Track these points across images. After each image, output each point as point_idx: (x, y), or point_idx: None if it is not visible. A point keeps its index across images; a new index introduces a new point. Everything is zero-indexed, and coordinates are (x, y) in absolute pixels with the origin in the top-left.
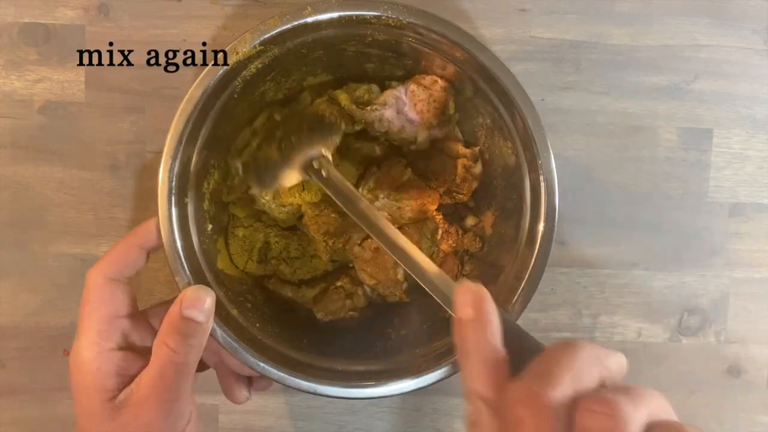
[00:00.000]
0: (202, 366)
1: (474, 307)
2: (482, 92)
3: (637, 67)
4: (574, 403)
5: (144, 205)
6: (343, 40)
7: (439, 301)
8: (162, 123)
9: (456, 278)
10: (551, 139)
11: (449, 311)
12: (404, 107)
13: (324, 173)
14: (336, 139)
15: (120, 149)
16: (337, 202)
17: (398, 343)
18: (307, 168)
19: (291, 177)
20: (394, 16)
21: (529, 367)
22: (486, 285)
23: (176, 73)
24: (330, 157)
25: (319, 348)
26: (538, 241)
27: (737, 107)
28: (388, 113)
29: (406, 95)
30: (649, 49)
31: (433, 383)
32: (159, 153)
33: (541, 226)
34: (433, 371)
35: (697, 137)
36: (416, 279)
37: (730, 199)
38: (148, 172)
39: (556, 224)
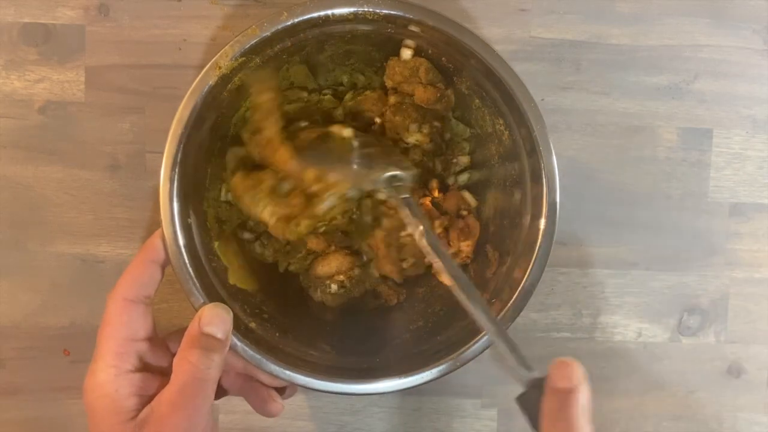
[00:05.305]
0: (220, 392)
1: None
2: (479, 84)
3: (637, 67)
4: None
5: (144, 205)
6: (322, 40)
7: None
8: (162, 123)
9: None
10: (551, 139)
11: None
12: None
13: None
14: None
15: (120, 149)
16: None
17: (416, 336)
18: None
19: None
20: (370, 10)
21: None
22: (486, 283)
23: (175, 73)
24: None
25: (340, 349)
26: (539, 239)
27: (737, 107)
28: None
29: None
30: (649, 49)
31: (457, 369)
32: (159, 153)
33: (542, 223)
34: (453, 360)
35: (697, 137)
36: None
37: (730, 199)
38: (148, 172)
39: (557, 221)
